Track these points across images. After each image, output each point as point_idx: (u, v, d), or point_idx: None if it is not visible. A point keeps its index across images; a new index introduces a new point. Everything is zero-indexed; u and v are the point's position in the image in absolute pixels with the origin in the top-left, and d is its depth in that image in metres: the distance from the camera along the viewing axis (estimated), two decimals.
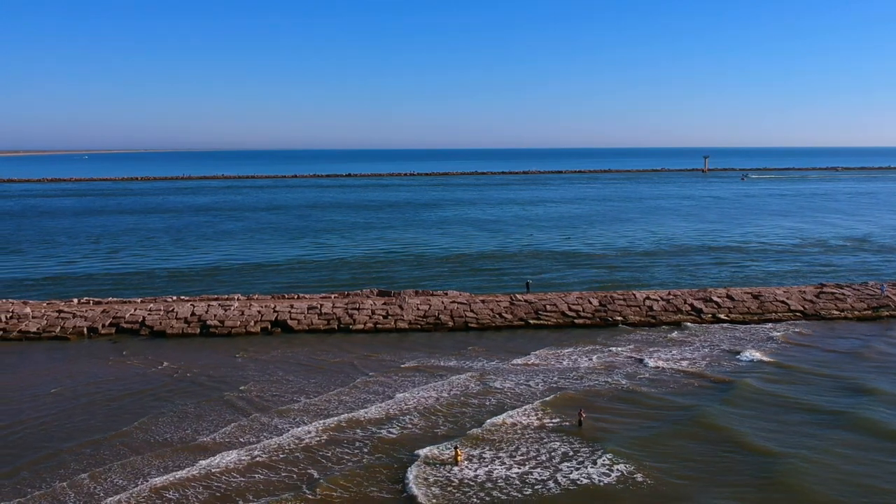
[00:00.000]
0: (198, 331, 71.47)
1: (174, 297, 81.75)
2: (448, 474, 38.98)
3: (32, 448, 44.23)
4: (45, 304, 79.37)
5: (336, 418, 48.11)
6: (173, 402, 52.02)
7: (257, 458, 41.94)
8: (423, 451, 41.96)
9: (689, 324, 74.27)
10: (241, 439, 44.89)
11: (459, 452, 39.88)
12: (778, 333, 69.91)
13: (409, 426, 46.49)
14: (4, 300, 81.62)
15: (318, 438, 44.87)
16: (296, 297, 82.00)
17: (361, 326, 72.57)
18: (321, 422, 47.50)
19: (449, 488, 37.65)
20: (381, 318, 74.26)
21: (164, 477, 39.64)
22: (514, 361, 61.00)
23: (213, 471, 40.31)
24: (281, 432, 45.94)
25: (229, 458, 42.00)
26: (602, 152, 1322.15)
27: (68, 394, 54.01)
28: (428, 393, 52.95)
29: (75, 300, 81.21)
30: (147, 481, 39.18)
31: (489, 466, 40.05)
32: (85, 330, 71.29)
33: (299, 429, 46.37)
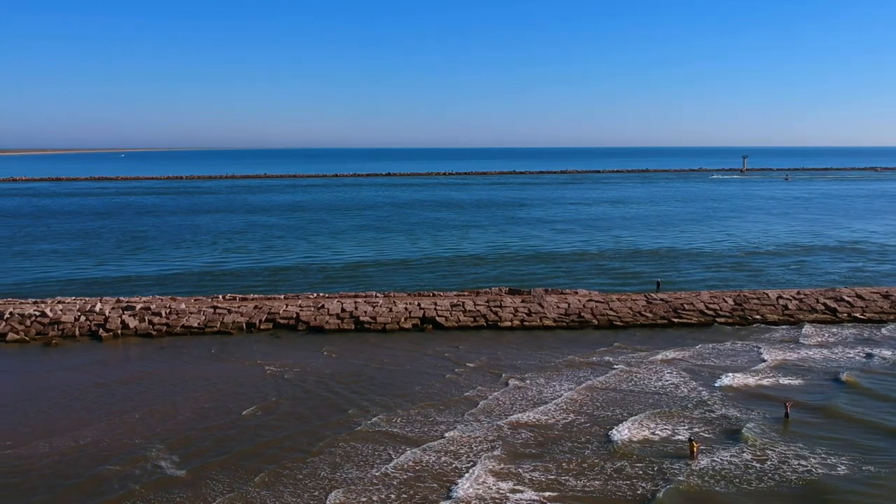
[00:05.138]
0: (352, 326, 74.28)
1: (315, 295, 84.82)
2: (687, 466, 40.94)
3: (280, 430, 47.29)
4: (193, 300, 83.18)
5: (561, 410, 50.37)
6: (360, 396, 54.81)
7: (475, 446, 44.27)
8: (661, 448, 44.06)
9: (824, 324, 74.86)
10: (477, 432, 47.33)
11: (695, 445, 41.66)
12: None
13: (638, 420, 48.52)
14: (154, 296, 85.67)
15: (523, 435, 46.97)
16: (431, 294, 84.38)
17: (509, 324, 74.57)
18: (537, 416, 49.72)
19: (692, 478, 39.69)
20: (525, 315, 76.19)
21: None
22: (700, 358, 62.54)
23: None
24: (506, 429, 48.03)
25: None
26: (629, 151, 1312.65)
27: (266, 381, 57.37)
28: (638, 387, 55.16)
29: (220, 296, 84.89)
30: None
31: (722, 459, 41.91)
32: (244, 325, 74.58)
33: (515, 416, 48.62)
